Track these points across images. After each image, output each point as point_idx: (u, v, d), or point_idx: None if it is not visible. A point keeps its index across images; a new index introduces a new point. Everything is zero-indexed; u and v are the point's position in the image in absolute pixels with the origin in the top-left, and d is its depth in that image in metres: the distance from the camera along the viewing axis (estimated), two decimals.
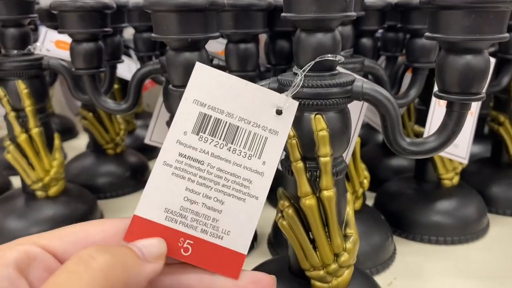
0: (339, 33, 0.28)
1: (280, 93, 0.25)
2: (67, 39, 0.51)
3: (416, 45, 0.44)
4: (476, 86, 0.29)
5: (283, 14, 0.28)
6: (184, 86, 0.32)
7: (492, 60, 0.46)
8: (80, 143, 0.80)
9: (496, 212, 0.54)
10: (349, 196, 0.32)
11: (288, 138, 0.29)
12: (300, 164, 0.29)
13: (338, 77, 0.28)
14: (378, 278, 0.42)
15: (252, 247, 0.47)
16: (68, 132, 0.83)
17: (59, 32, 0.41)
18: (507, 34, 0.28)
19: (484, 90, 0.30)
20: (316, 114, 0.28)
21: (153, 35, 0.31)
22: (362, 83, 0.29)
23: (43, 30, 0.51)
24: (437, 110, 0.46)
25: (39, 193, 0.48)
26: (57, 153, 0.49)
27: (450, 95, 0.29)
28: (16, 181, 0.61)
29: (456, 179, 0.50)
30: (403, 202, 0.50)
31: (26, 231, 0.46)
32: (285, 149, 0.29)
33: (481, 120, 0.66)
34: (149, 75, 0.43)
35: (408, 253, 0.46)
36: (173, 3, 0.29)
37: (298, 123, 0.28)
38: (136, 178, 0.62)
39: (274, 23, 0.42)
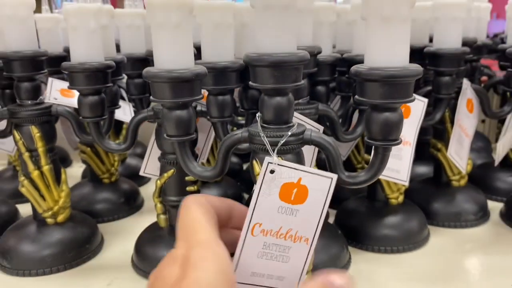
0: (292, 97, 0.38)
1: (250, 141, 0.35)
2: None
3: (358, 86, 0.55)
4: (394, 134, 0.39)
5: (250, 83, 0.38)
6: (175, 136, 0.41)
7: (426, 100, 0.57)
8: (75, 171, 0.88)
9: (437, 224, 0.64)
10: None
11: (256, 175, 0.38)
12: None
13: (293, 128, 0.38)
14: None
15: None
16: (63, 162, 0.91)
17: (69, 88, 0.50)
18: (413, 97, 0.38)
19: (399, 136, 0.40)
20: (278, 157, 0.38)
21: (151, 98, 0.40)
22: (310, 132, 0.38)
23: (49, 80, 0.59)
24: None
25: (49, 220, 0.57)
26: (64, 185, 0.58)
27: (375, 141, 0.39)
28: (22, 209, 0.68)
29: (400, 198, 0.61)
30: (358, 218, 0.60)
31: (39, 253, 0.54)
32: (255, 180, 0.38)
33: (427, 144, 0.76)
34: (144, 120, 0.52)
35: (362, 261, 0.56)
36: (167, 76, 0.38)
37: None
38: (129, 204, 0.71)
39: (246, 78, 0.52)
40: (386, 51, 0.37)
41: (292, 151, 0.38)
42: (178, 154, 0.42)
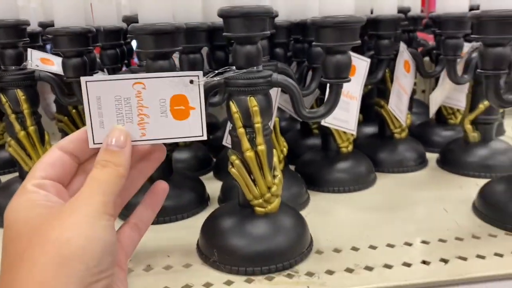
0: (260, 45, 0.45)
1: (226, 85, 0.43)
2: (49, 56, 0.65)
3: (313, 52, 0.63)
4: (344, 73, 0.47)
5: (224, 34, 0.45)
6: None
7: (369, 59, 0.66)
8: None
9: (382, 171, 0.74)
10: (274, 151, 0.49)
11: (232, 113, 0.45)
12: (242, 130, 0.45)
13: (262, 72, 0.45)
14: None
15: (206, 206, 0.63)
16: None
17: (54, 51, 0.55)
18: (359, 41, 0.46)
19: (349, 75, 0.48)
20: (250, 96, 0.44)
21: (136, 49, 0.46)
22: (277, 76, 0.46)
23: (29, 50, 0.64)
24: None
25: None
26: (48, 145, 0.62)
27: (330, 79, 0.47)
28: (4, 179, 0.72)
29: (350, 147, 0.69)
30: (314, 166, 0.69)
31: None
32: (232, 121, 0.46)
33: (372, 106, 0.86)
34: None
35: (319, 199, 0.64)
36: (150, 29, 0.45)
37: (239, 102, 0.45)
38: None
39: (214, 39, 0.59)
40: (336, 3, 0.45)
41: (261, 92, 0.45)
42: None
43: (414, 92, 0.88)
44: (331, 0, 0.45)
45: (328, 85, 0.48)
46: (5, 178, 0.73)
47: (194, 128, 0.39)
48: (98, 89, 0.37)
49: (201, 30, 0.54)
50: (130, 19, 0.65)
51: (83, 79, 0.37)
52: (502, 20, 0.46)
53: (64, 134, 0.75)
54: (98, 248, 0.31)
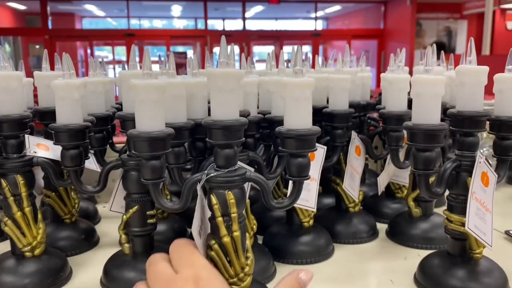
0: (237, 148, 0.55)
1: (207, 181, 0.52)
2: (45, 142, 0.73)
3: (278, 142, 0.73)
4: (305, 172, 0.57)
5: (207, 140, 0.54)
6: (150, 179, 0.56)
7: (325, 147, 0.77)
8: None
9: (339, 242, 0.83)
10: (247, 235, 0.58)
11: (213, 205, 0.54)
12: (220, 219, 0.54)
13: (238, 170, 0.54)
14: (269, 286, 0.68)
15: None
16: None
17: (55, 144, 0.63)
18: (316, 147, 0.57)
19: (308, 173, 0.58)
20: (228, 191, 0.54)
21: (132, 152, 0.55)
22: (250, 173, 0.55)
23: (26, 137, 0.71)
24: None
25: (28, 254, 0.68)
26: (41, 223, 0.69)
27: (293, 178, 0.57)
28: None
29: (311, 222, 0.79)
30: (280, 239, 0.78)
31: (21, 282, 0.65)
32: (211, 210, 0.54)
33: (330, 181, 0.97)
34: (114, 168, 0.66)
35: (284, 271, 0.73)
36: (146, 137, 0.53)
37: (219, 196, 0.54)
38: (88, 240, 0.83)
39: (195, 133, 0.68)
40: (297, 119, 0.55)
41: (237, 187, 0.54)
42: (152, 193, 0.56)
43: (366, 165, 1.00)
44: (294, 117, 0.55)
45: (291, 182, 0.59)
46: None
47: None
48: None
49: (185, 129, 0.63)
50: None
51: None
52: (429, 132, 0.58)
53: (51, 208, 0.82)
54: None
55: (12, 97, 0.65)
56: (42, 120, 0.80)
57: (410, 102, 0.67)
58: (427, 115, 0.58)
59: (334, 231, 0.84)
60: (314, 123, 0.86)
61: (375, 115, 1.08)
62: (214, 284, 0.43)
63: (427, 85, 0.57)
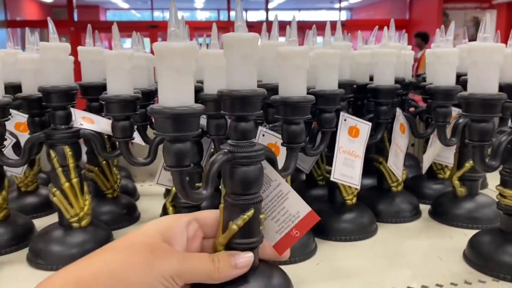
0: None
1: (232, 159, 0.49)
2: (90, 115, 0.73)
3: (323, 118, 0.72)
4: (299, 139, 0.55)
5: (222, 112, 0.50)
6: (173, 166, 0.45)
7: (370, 123, 0.75)
8: None
9: (381, 221, 0.82)
10: None
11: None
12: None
13: (256, 145, 0.48)
14: (308, 262, 0.67)
15: None
16: None
17: (106, 116, 0.64)
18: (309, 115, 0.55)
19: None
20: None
21: (153, 131, 0.52)
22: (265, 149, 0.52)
23: (72, 110, 0.72)
24: (339, 156, 0.74)
25: (75, 225, 0.69)
26: (87, 195, 0.70)
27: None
28: (37, 223, 0.79)
29: (354, 200, 0.78)
30: (321, 216, 0.77)
31: (67, 252, 0.66)
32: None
33: (372, 161, 0.95)
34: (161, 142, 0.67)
35: (326, 248, 0.72)
36: (169, 112, 0.42)
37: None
38: (130, 215, 0.83)
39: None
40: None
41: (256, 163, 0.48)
42: (176, 183, 0.45)
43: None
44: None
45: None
46: (36, 222, 0.79)
47: None
48: None
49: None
50: None
51: None
52: (486, 101, 0.56)
53: (94, 183, 0.83)
54: None
55: (60, 68, 0.66)
56: (85, 95, 0.81)
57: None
58: (484, 84, 0.56)
59: (376, 210, 0.82)
60: (356, 100, 0.86)
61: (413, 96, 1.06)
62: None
63: (485, 52, 0.56)
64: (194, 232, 0.46)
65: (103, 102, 0.63)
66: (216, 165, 0.45)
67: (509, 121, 0.70)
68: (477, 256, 0.64)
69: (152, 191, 1.07)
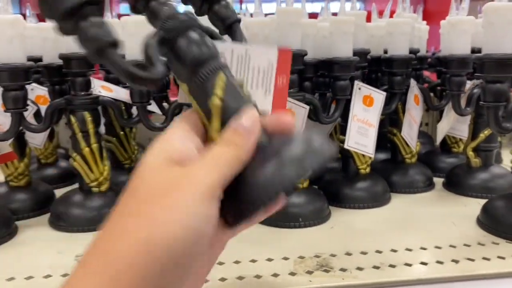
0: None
1: None
2: (108, 84, 0.75)
3: (337, 85, 0.73)
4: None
5: None
6: None
7: (385, 93, 0.76)
8: None
9: (396, 192, 0.82)
10: None
11: None
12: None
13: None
14: (322, 226, 0.68)
15: None
16: None
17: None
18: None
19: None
20: None
21: None
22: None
23: (91, 79, 0.73)
24: (353, 125, 0.74)
25: (94, 189, 0.70)
26: (106, 161, 0.72)
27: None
28: (57, 193, 0.81)
29: (368, 169, 0.79)
30: (336, 185, 0.78)
31: (87, 215, 0.68)
32: None
33: (385, 135, 0.95)
34: (180, 106, 0.68)
35: (340, 214, 0.73)
36: None
37: None
38: None
39: None
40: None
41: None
42: None
43: (420, 124, 0.98)
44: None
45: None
46: (56, 192, 0.81)
47: None
48: None
49: None
50: None
51: None
52: (501, 61, 0.56)
53: (112, 153, 0.85)
54: (190, 243, 0.28)
55: None
56: (103, 67, 0.83)
57: None
58: (499, 43, 0.56)
59: (390, 181, 0.82)
60: (371, 73, 0.87)
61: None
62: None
63: (500, 12, 0.56)
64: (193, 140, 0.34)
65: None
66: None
67: None
68: (490, 220, 0.65)
69: None
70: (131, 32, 0.63)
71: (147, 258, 0.26)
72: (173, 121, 0.44)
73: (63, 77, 0.74)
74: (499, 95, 0.58)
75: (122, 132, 0.84)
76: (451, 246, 0.60)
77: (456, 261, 0.56)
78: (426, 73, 1.08)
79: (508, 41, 0.56)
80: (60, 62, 0.70)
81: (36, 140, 0.87)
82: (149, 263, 0.26)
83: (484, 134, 0.80)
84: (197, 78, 0.34)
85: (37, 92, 0.84)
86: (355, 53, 0.72)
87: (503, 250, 0.59)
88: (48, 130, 0.88)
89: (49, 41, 0.75)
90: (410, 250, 0.59)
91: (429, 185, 0.85)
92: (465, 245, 0.60)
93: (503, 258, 0.56)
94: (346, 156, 0.79)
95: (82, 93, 0.69)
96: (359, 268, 0.54)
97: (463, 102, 0.79)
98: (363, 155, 0.77)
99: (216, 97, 0.34)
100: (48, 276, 0.54)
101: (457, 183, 0.83)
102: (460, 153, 0.93)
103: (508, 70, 0.57)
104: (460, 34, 0.74)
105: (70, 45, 0.67)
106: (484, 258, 0.56)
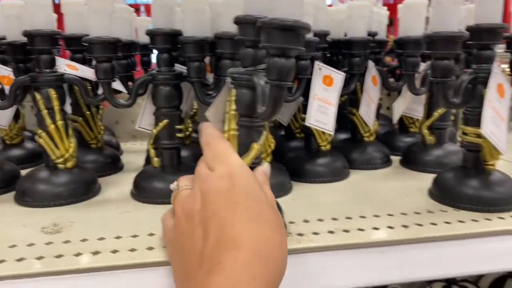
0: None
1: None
2: (73, 63, 0.76)
3: (299, 64, 0.76)
4: (288, 78, 0.47)
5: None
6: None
7: (344, 73, 0.79)
8: None
9: (354, 168, 0.86)
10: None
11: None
12: None
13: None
14: (285, 198, 0.71)
15: None
16: None
17: (87, 58, 0.66)
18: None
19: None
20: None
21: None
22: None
23: (56, 58, 0.74)
24: (314, 103, 0.77)
25: (60, 166, 0.71)
26: (72, 138, 0.73)
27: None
28: (23, 173, 0.81)
29: (328, 146, 0.82)
30: (298, 161, 0.81)
31: (53, 191, 0.69)
32: None
33: (346, 116, 0.99)
34: (144, 83, 0.69)
35: (302, 188, 0.76)
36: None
37: None
38: (114, 164, 0.86)
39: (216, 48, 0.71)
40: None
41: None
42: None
43: (380, 106, 1.02)
44: None
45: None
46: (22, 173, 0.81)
47: None
48: None
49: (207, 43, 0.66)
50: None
51: None
52: (448, 39, 0.60)
53: (78, 133, 0.85)
54: None
55: (44, 13, 0.68)
56: (69, 47, 0.83)
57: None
58: (446, 22, 0.60)
59: (349, 158, 0.86)
60: (332, 55, 0.90)
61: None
62: (246, 179, 0.45)
63: None
64: None
65: (86, 44, 0.66)
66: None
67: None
68: (439, 190, 0.69)
69: (135, 149, 1.10)
70: (96, 9, 0.64)
71: None
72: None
73: (27, 55, 0.74)
74: (447, 71, 0.62)
75: (88, 112, 0.84)
76: (402, 213, 0.64)
77: (406, 226, 0.60)
78: (388, 60, 1.13)
79: (454, 20, 0.60)
80: (24, 39, 0.70)
81: (1, 120, 0.87)
82: None
83: (437, 112, 0.85)
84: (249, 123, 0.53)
85: (1, 73, 0.84)
86: (315, 35, 0.75)
87: (450, 216, 0.63)
88: (14, 111, 0.89)
89: (12, 19, 0.75)
90: (364, 217, 0.63)
91: (387, 162, 0.89)
92: (415, 212, 0.65)
93: (449, 223, 0.61)
94: (308, 134, 0.82)
95: (47, 71, 0.70)
96: (315, 233, 0.57)
97: (418, 83, 0.84)
98: (323, 133, 0.80)
99: (257, 144, 0.54)
100: (14, 246, 0.55)
101: (413, 160, 0.87)
102: (417, 133, 0.98)
103: (455, 47, 0.61)
104: (415, 16, 0.78)
105: (34, 22, 0.67)
106: (432, 223, 0.60)
